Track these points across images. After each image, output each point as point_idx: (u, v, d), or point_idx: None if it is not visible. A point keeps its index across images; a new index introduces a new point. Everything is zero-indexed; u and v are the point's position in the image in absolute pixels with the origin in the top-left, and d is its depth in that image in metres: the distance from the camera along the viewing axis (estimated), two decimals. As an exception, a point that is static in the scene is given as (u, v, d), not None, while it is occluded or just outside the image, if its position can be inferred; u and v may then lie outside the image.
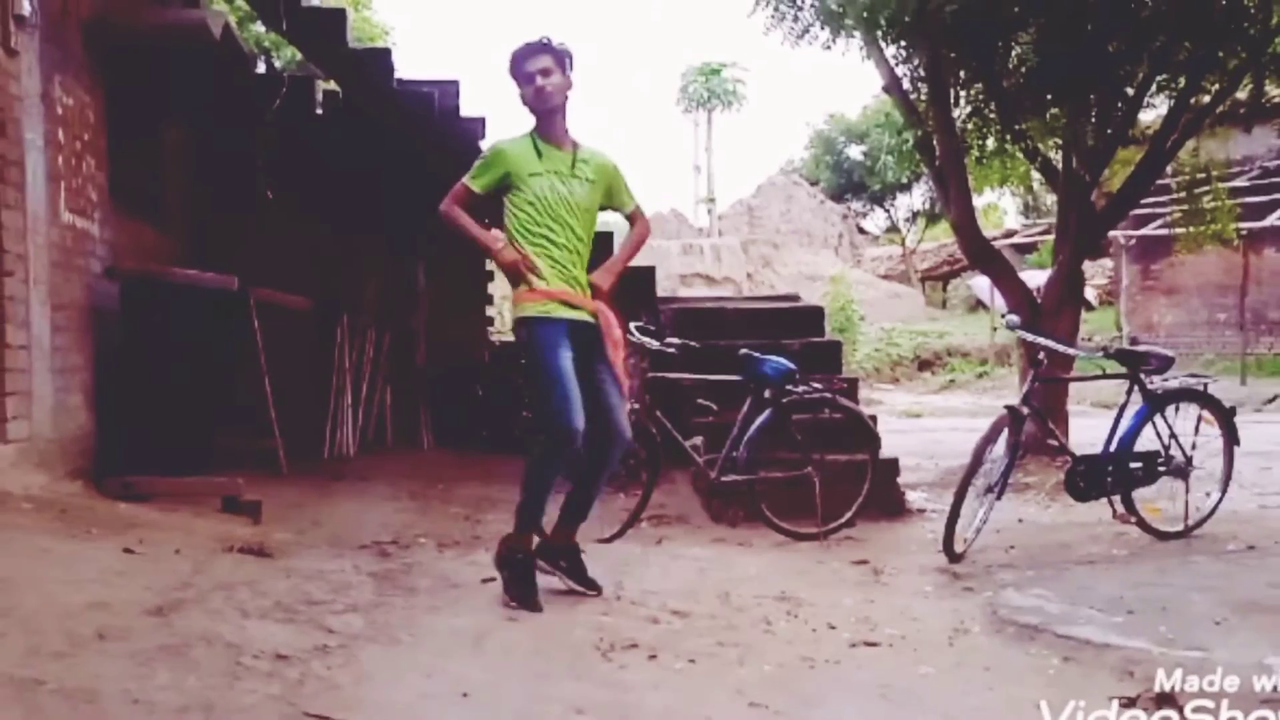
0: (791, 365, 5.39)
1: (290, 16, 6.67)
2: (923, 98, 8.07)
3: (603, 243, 4.38)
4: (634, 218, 4.04)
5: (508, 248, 3.80)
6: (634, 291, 7.36)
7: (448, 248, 8.72)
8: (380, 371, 8.41)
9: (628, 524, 5.18)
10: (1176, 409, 5.15)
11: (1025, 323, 5.77)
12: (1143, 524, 5.03)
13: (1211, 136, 8.83)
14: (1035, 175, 9.61)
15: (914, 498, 6.49)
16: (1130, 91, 7.48)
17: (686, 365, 5.63)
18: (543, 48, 3.78)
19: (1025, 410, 4.85)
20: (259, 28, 11.64)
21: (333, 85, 8.60)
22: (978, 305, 25.43)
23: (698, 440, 5.57)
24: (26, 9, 4.49)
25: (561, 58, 3.79)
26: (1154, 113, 8.48)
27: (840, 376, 6.48)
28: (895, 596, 4.09)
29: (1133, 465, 5.03)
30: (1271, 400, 14.25)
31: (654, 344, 5.38)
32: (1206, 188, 9.38)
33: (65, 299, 4.94)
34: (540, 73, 3.76)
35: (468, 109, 7.62)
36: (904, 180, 29.77)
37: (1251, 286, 17.53)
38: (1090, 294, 21.50)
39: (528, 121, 3.88)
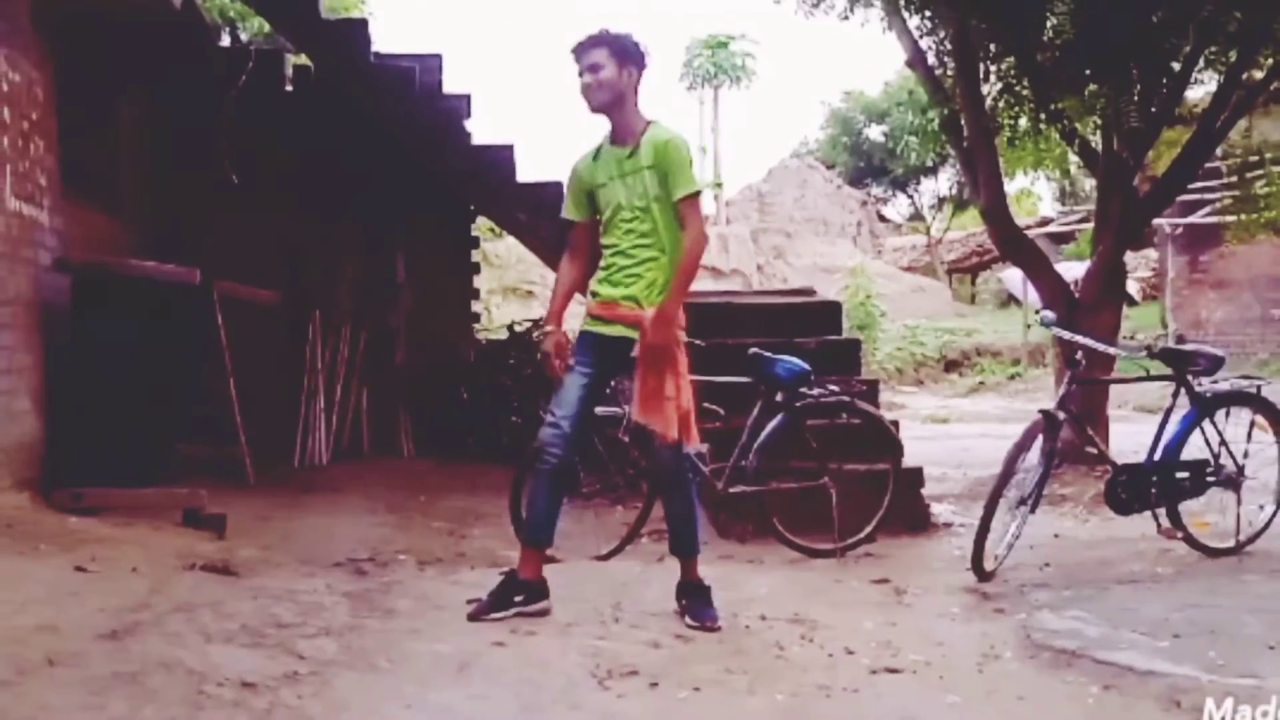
0: (805, 366, 5.39)
1: (257, -16, 6.68)
2: (949, 73, 8.08)
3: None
4: (683, 211, 3.83)
5: (550, 337, 4.00)
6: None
7: (429, 237, 8.81)
8: (355, 372, 8.41)
9: (626, 539, 5.18)
10: (1227, 414, 5.15)
11: (1061, 319, 5.77)
12: (1190, 539, 5.03)
13: (1265, 116, 8.86)
14: (1072, 158, 9.63)
15: (940, 511, 6.49)
16: (1176, 66, 7.49)
17: (691, 366, 5.62)
18: (594, 41, 3.83)
19: (1061, 415, 4.85)
20: (223, -4, 11.64)
21: (304, 59, 8.60)
22: (1009, 300, 25.47)
23: (703, 448, 5.56)
24: (-32, -24, 4.50)
25: (618, 49, 3.83)
26: (1202, 90, 8.50)
27: (859, 378, 6.48)
28: (919, 619, 4.10)
29: (1179, 475, 5.03)
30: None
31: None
32: (1259, 171, 9.38)
33: (11, 293, 4.93)
34: (589, 69, 3.82)
35: (451, 86, 7.63)
36: (929, 163, 29.80)
37: (1309, 280, 17.56)
38: (1132, 288, 21.56)
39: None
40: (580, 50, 3.85)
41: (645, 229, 3.86)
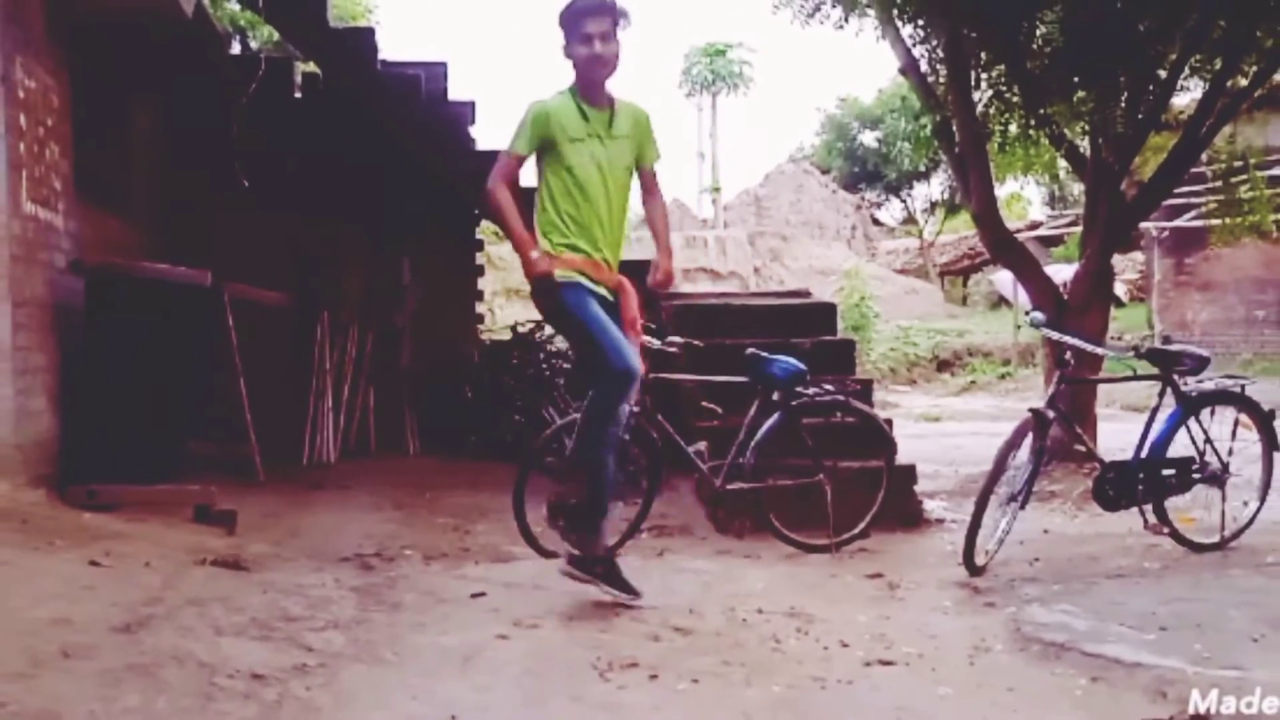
0: (801, 366, 5.39)
1: (267, -7, 6.68)
2: (941, 80, 8.07)
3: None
4: (652, 179, 4.08)
5: (543, 261, 3.82)
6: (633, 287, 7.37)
7: (434, 240, 8.81)
8: (362, 373, 8.42)
9: (627, 535, 5.17)
10: (1212, 412, 5.15)
11: (1051, 320, 5.77)
12: (1176, 535, 5.03)
13: (1249, 122, 8.84)
14: (1061, 163, 9.61)
15: (932, 507, 6.49)
16: (1162, 74, 7.48)
17: (689, 366, 5.63)
18: (604, 9, 3.81)
19: (1051, 414, 4.85)
20: (234, 5, 11.63)
21: (312, 67, 8.61)
22: (1000, 302, 25.43)
23: (701, 446, 5.57)
24: (-15, -14, 4.50)
25: (619, 19, 3.84)
26: (1188, 96, 8.48)
27: (854, 378, 6.48)
28: (912, 612, 4.10)
29: (1165, 472, 5.03)
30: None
31: (655, 343, 5.38)
32: (1244, 176, 9.37)
33: (27, 295, 4.93)
34: (600, 36, 3.80)
35: (456, 92, 7.64)
36: (921, 168, 29.79)
37: (1292, 282, 17.54)
38: (1120, 290, 21.51)
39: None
40: (596, 14, 3.80)
41: (617, 196, 3.93)
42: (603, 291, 3.92)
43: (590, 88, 3.89)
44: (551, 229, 3.92)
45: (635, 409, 4.95)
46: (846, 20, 7.78)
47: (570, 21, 3.83)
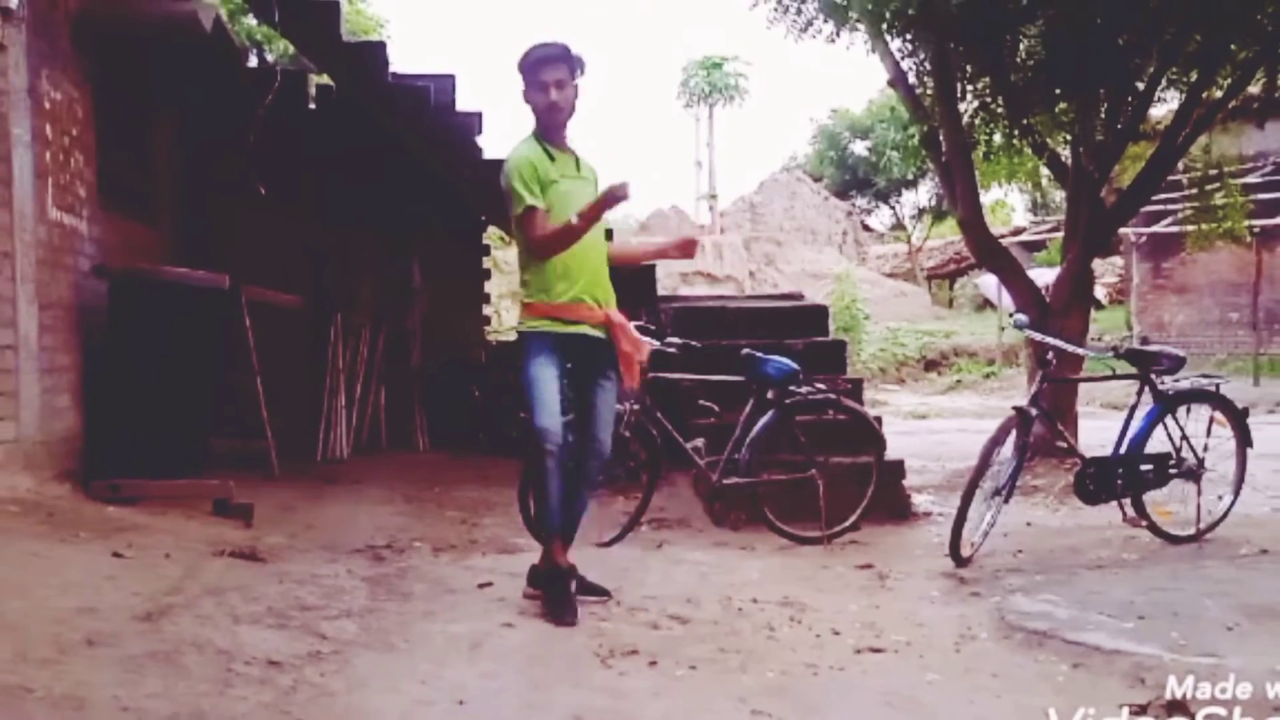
0: (795, 365, 5.39)
1: (282, 9, 6.65)
2: (929, 92, 8.07)
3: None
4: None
5: (610, 189, 3.65)
6: (634, 290, 7.36)
7: (443, 245, 8.81)
8: (374, 372, 8.41)
9: (627, 528, 5.18)
10: (1188, 410, 5.16)
11: (1033, 322, 5.78)
12: (1153, 528, 5.03)
13: (1224, 132, 8.84)
14: (1044, 171, 9.62)
15: (920, 501, 6.49)
16: (1140, 85, 7.49)
17: (687, 365, 5.62)
18: (559, 58, 3.78)
19: (1033, 411, 4.85)
20: (251, 20, 11.64)
21: (326, 79, 8.60)
22: (985, 304, 25.44)
23: (699, 442, 5.58)
24: (13, 2, 4.49)
25: (575, 67, 3.82)
26: (1165, 107, 8.51)
27: (844, 377, 6.48)
28: (901, 602, 4.10)
29: (1143, 467, 5.03)
30: (1285, 401, 14.23)
31: (654, 344, 5.38)
32: (1218, 184, 9.38)
33: (53, 297, 4.94)
34: (555, 84, 3.78)
35: (464, 103, 7.62)
36: (910, 176, 29.81)
37: (1264, 285, 17.55)
38: (1100, 292, 21.54)
39: (522, 117, 3.91)
40: (550, 64, 3.78)
41: (592, 234, 3.81)
42: (584, 330, 3.79)
43: (551, 131, 3.85)
44: (538, 282, 3.79)
45: (635, 406, 4.96)
46: (838, 35, 7.79)
47: (527, 70, 3.79)
